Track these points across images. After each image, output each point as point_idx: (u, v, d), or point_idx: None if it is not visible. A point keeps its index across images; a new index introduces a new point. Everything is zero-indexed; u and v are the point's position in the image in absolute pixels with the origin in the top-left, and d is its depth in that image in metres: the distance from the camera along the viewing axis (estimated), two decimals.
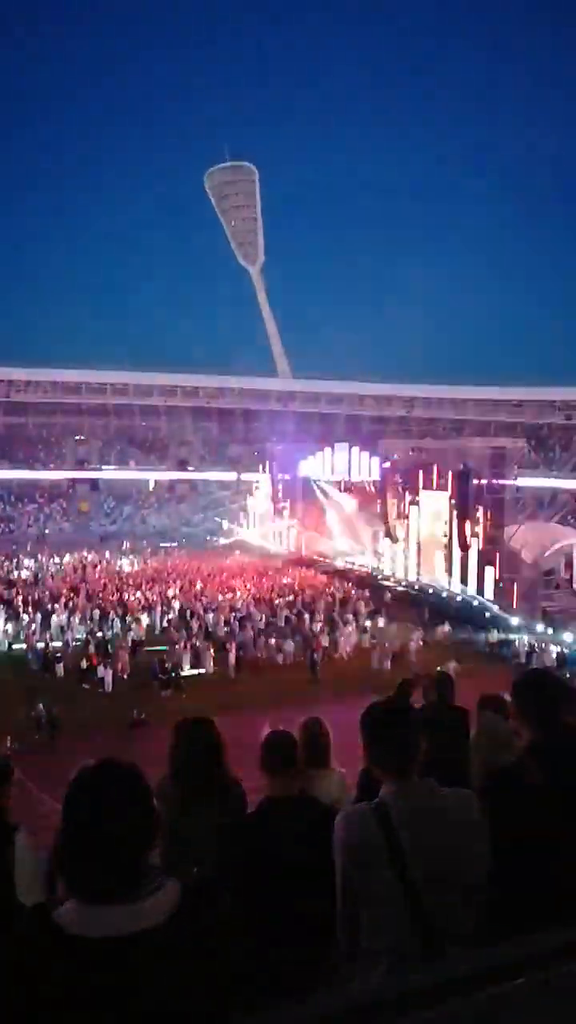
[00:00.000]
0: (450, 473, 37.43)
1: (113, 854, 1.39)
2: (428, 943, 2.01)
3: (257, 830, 2.76)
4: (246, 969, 1.46)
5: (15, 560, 47.96)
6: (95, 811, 1.43)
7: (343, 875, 2.17)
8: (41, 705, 20.31)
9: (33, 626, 30.32)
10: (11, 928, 1.43)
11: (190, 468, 72.71)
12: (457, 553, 35.78)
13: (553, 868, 2.16)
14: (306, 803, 2.84)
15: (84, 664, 25.40)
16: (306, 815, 2.69)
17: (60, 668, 25.75)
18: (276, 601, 35.30)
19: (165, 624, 31.60)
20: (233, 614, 32.11)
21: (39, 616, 31.46)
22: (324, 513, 51.64)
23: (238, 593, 37.79)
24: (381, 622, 32.27)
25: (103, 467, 70.72)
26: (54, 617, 31.22)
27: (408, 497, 40.49)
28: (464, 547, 35.22)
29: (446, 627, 31.37)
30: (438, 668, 24.12)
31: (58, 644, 27.90)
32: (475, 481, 34.90)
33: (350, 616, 32.65)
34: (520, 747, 2.50)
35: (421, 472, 39.85)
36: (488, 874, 2.12)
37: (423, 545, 39.29)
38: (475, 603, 33.78)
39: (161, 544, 58.79)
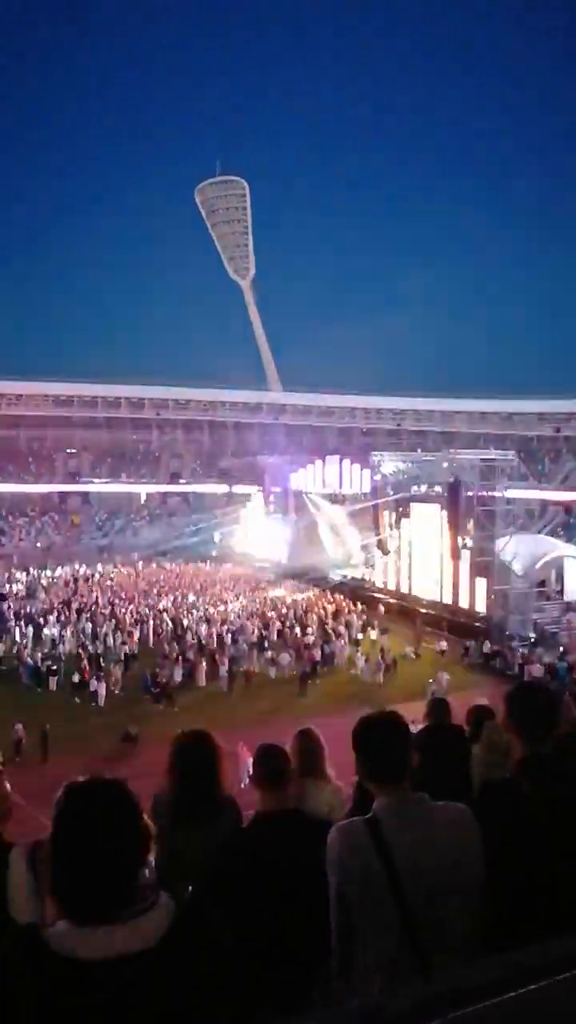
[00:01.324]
0: (440, 486, 37.54)
1: (103, 873, 1.37)
2: (422, 957, 1.99)
3: (250, 846, 2.73)
4: (240, 987, 1.44)
5: (7, 573, 47.75)
6: (83, 830, 1.41)
7: (336, 890, 2.15)
8: (20, 726, 19.65)
9: (25, 640, 30.16)
10: (1, 949, 1.41)
11: (182, 481, 72.70)
12: (449, 565, 35.82)
13: (546, 881, 2.15)
14: (298, 818, 2.81)
15: (76, 678, 25.27)
16: (299, 830, 2.66)
17: (53, 682, 25.61)
18: (269, 614, 35.22)
19: (157, 637, 31.49)
20: (226, 627, 32.02)
21: (31, 630, 31.32)
22: (316, 526, 51.63)
23: (231, 606, 37.70)
24: (374, 635, 32.23)
25: (95, 480, 70.60)
26: (46, 630, 31.08)
27: (399, 509, 40.56)
28: (455, 559, 35.28)
29: (443, 644, 31.36)
30: (429, 680, 24.10)
31: (50, 658, 27.75)
32: (465, 493, 34.98)
33: (343, 629, 32.60)
34: (514, 760, 2.50)
35: (412, 484, 39.95)
36: (482, 887, 2.12)
37: (415, 557, 39.33)
38: (467, 615, 33.76)
39: (153, 557, 58.60)
